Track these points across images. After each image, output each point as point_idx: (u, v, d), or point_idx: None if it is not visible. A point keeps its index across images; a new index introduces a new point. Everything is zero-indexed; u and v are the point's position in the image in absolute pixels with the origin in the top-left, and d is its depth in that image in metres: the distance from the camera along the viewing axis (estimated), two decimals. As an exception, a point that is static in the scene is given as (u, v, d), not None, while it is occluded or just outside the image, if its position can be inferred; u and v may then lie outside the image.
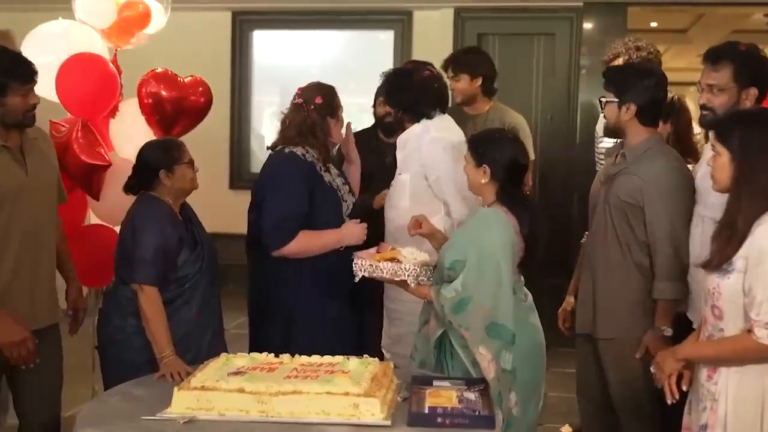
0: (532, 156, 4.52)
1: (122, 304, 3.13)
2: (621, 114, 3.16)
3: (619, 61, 4.14)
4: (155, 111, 4.09)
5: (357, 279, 3.04)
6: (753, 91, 2.98)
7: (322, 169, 3.36)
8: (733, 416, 2.39)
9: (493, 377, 2.79)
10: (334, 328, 3.37)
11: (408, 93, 3.67)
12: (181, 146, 3.26)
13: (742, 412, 2.38)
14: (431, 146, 3.59)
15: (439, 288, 2.91)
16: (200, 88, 4.23)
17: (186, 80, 4.21)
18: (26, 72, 3.03)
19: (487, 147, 3.01)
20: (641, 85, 3.14)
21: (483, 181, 2.99)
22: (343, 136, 3.53)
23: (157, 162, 3.18)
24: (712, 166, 2.51)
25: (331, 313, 3.37)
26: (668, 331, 3.09)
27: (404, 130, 3.72)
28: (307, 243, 3.28)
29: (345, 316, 3.41)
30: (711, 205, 2.93)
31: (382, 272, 2.97)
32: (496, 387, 2.77)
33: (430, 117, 3.66)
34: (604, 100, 3.22)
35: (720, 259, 2.40)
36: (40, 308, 3.14)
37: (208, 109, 4.28)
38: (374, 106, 4.68)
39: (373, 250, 3.15)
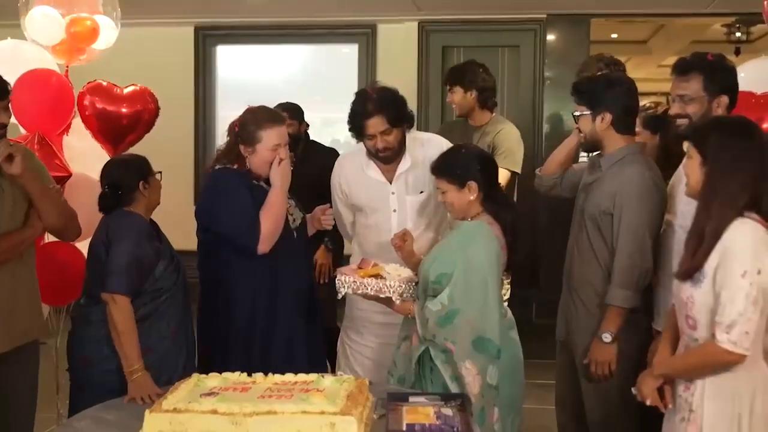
0: (517, 168, 4.54)
1: (95, 326, 3.06)
2: (596, 125, 3.16)
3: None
4: (98, 123, 4.04)
5: (340, 296, 3.01)
6: (724, 99, 3.01)
7: (258, 180, 3.28)
8: (710, 428, 2.38)
9: (478, 392, 2.77)
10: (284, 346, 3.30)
11: None
12: (146, 159, 3.24)
13: (720, 422, 2.38)
14: None
15: (424, 302, 2.88)
16: (143, 98, 4.16)
17: (126, 90, 4.15)
18: None
19: (465, 166, 3.00)
20: (613, 94, 3.16)
21: (471, 197, 2.98)
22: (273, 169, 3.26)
23: (134, 177, 3.14)
24: (684, 168, 2.53)
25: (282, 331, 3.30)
26: (607, 338, 3.10)
27: None
28: (269, 216, 3.18)
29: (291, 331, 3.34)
30: (680, 213, 2.96)
31: (367, 289, 2.94)
32: (479, 402, 2.75)
33: None
34: (577, 114, 3.23)
35: (689, 267, 2.40)
36: (19, 325, 3.08)
37: (155, 117, 4.22)
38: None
39: (354, 265, 3.12)
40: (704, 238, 2.37)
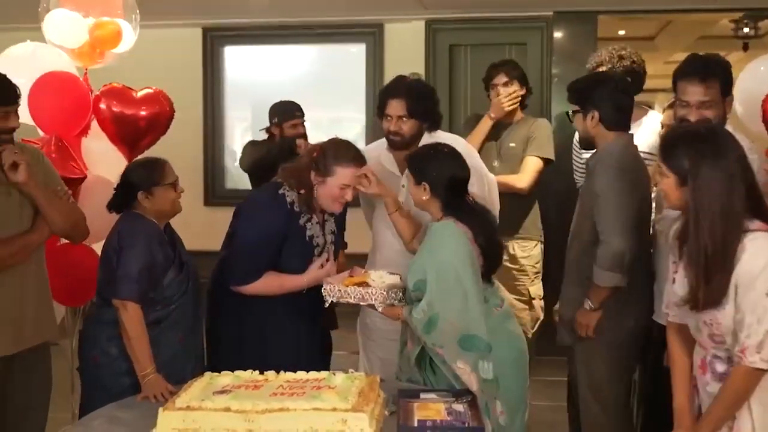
0: (549, 155, 4.55)
1: (106, 326, 3.08)
2: (587, 123, 3.26)
3: (603, 70, 4.17)
4: (113, 126, 4.06)
5: (327, 304, 3.06)
6: (730, 99, 3.06)
7: (312, 211, 3.28)
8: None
9: (477, 388, 2.78)
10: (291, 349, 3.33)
11: None
12: (163, 167, 3.19)
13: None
14: None
15: (410, 309, 2.91)
16: (158, 101, 4.18)
17: (141, 93, 4.17)
18: (7, 92, 2.98)
19: (424, 164, 3.04)
20: (600, 93, 3.23)
21: (425, 197, 3.01)
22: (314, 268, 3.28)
23: (137, 182, 3.14)
24: (660, 186, 2.46)
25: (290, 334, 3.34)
26: (588, 305, 3.22)
27: None
28: (269, 287, 3.24)
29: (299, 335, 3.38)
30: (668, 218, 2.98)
31: (350, 297, 3.01)
32: (482, 398, 2.77)
33: None
34: (571, 112, 3.33)
35: (711, 298, 2.33)
36: (28, 327, 3.10)
37: (170, 120, 4.24)
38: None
39: (345, 273, 3.19)
40: (709, 263, 2.30)
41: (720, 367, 2.43)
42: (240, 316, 3.30)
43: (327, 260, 3.30)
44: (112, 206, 3.20)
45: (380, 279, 3.08)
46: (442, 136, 3.58)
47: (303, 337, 3.36)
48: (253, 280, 3.20)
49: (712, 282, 2.31)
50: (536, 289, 4.64)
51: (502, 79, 4.62)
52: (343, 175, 3.17)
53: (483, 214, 3.05)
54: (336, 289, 3.02)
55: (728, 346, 2.37)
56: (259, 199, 3.37)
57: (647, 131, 4.07)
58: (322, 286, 3.11)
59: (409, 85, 3.49)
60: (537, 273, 4.65)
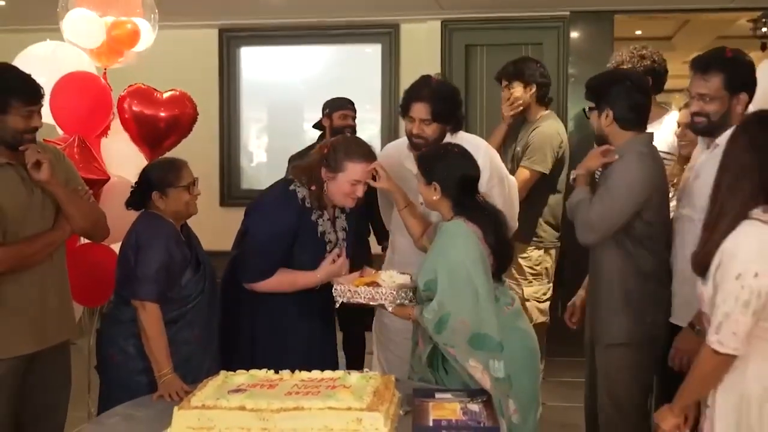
0: (539, 168, 4.48)
1: (124, 325, 3.10)
2: (602, 121, 3.21)
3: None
4: (137, 127, 4.08)
5: (337, 305, 3.07)
6: (743, 97, 3.02)
7: (323, 207, 3.30)
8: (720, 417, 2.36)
9: (490, 387, 2.77)
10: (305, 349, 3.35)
11: None
12: (180, 169, 3.20)
13: (729, 413, 2.36)
14: None
15: (421, 309, 2.90)
16: (182, 103, 4.19)
17: (166, 95, 4.19)
18: (31, 92, 2.99)
19: (434, 164, 3.03)
20: (614, 91, 3.19)
21: (435, 197, 3.00)
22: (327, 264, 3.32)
23: (153, 182, 3.15)
24: None
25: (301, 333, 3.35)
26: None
27: None
28: (280, 284, 3.26)
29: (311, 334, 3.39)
30: (701, 208, 2.95)
31: (360, 297, 3.00)
32: (496, 396, 2.76)
33: None
34: (587, 109, 3.31)
35: (695, 261, 2.41)
36: (49, 326, 3.12)
37: (193, 122, 4.26)
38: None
39: (356, 274, 3.20)
40: (716, 231, 2.35)
41: None
42: (252, 315, 3.32)
43: (339, 256, 3.31)
44: (129, 204, 3.22)
45: (390, 279, 3.08)
46: (465, 138, 3.58)
47: (316, 337, 3.37)
48: (266, 278, 3.23)
49: (705, 246, 2.37)
50: (532, 291, 4.62)
51: (503, 83, 4.61)
52: (354, 170, 3.18)
53: (494, 214, 3.05)
54: (346, 290, 3.03)
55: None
56: (270, 196, 3.38)
57: (667, 131, 4.04)
58: (333, 285, 3.13)
59: (434, 89, 3.46)
60: (536, 275, 4.62)
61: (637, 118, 3.22)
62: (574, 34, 6.51)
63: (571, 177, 3.39)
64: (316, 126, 5.21)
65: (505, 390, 2.82)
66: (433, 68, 6.65)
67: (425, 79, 3.53)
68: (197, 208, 3.24)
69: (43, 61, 3.98)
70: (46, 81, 3.81)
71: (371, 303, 3.01)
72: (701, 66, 3.03)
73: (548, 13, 6.51)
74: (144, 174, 3.22)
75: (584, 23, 6.50)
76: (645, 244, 3.16)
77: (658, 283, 3.22)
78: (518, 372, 2.88)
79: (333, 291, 3.06)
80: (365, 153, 3.23)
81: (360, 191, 3.22)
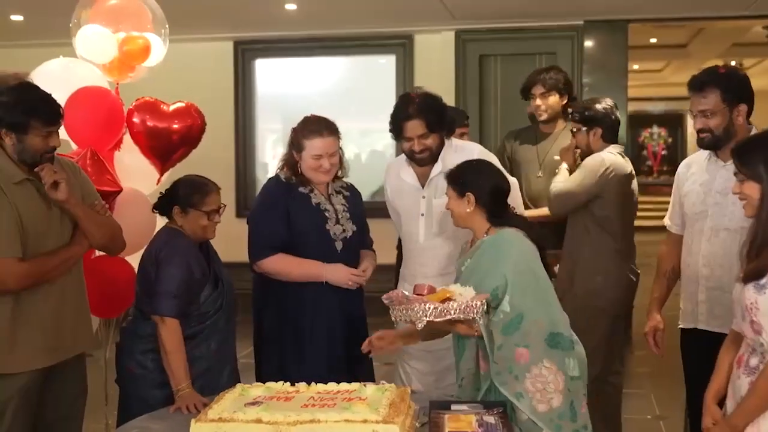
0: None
1: (143, 340, 3.12)
2: (590, 138, 3.97)
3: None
4: (146, 140, 4.10)
5: (421, 325, 2.75)
6: (743, 108, 3.11)
7: (307, 186, 3.42)
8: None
9: (563, 388, 2.75)
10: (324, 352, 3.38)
11: None
12: (207, 194, 3.20)
13: None
14: None
15: (489, 317, 2.84)
16: (190, 115, 4.20)
17: (174, 107, 4.21)
18: (51, 113, 3.00)
19: (466, 176, 3.01)
20: (602, 111, 3.97)
21: (468, 210, 2.98)
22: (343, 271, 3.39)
23: (178, 197, 3.18)
24: (740, 194, 2.50)
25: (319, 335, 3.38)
26: None
27: None
28: (288, 266, 3.35)
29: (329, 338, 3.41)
30: (713, 214, 3.15)
31: (451, 313, 2.75)
32: (566, 399, 2.73)
33: None
34: (574, 130, 4.02)
35: (753, 269, 2.37)
36: (67, 339, 3.14)
37: (201, 134, 4.26)
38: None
39: (398, 291, 2.88)
40: (765, 237, 2.35)
41: (753, 361, 2.41)
42: (279, 315, 3.40)
43: (363, 271, 3.41)
44: (155, 207, 3.28)
45: (467, 292, 2.83)
46: (459, 144, 3.64)
47: (336, 342, 3.39)
48: (267, 254, 3.34)
49: (762, 254, 2.36)
50: None
51: (539, 89, 4.58)
52: (312, 146, 3.33)
53: (528, 223, 3.06)
54: (432, 308, 2.74)
55: (763, 340, 2.36)
56: (262, 189, 3.59)
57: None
58: (347, 289, 3.27)
59: (420, 103, 3.48)
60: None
61: (616, 132, 4.08)
62: (588, 43, 6.51)
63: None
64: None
65: (581, 388, 2.81)
66: (448, 78, 6.68)
67: (407, 97, 3.57)
68: (215, 233, 3.25)
69: (57, 77, 4.02)
70: (60, 96, 3.83)
71: (461, 317, 2.77)
72: (697, 85, 3.15)
73: (562, 23, 6.52)
74: (174, 185, 3.24)
75: (598, 32, 6.50)
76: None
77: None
78: (582, 371, 2.85)
79: (411, 312, 2.75)
80: (318, 127, 3.37)
81: (325, 163, 3.35)
